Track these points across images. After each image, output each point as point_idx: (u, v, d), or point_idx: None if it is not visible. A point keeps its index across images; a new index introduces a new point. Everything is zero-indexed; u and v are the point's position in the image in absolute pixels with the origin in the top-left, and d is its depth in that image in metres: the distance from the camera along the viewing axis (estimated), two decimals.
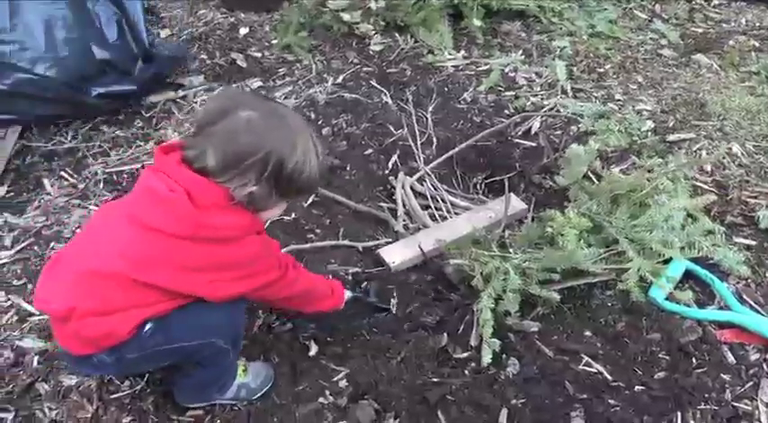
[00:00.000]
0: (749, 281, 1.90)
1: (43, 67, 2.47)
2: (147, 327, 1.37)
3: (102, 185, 2.40)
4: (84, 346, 1.38)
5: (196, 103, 2.84)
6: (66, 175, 2.46)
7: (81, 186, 2.41)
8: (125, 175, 2.45)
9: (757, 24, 3.16)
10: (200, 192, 1.26)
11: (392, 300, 1.90)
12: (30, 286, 2.01)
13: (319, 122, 2.62)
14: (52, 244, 2.16)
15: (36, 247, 2.14)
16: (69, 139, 2.64)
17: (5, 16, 2.44)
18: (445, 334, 1.79)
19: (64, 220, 2.25)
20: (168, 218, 1.26)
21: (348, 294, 1.79)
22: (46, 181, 2.43)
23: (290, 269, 1.53)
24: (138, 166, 2.49)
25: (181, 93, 2.88)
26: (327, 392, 1.68)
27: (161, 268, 1.31)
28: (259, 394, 1.67)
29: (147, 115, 2.76)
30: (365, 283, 1.92)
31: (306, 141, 1.31)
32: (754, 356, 1.71)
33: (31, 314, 1.92)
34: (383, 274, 1.99)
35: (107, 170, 2.47)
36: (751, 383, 1.65)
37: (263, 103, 1.34)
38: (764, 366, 1.68)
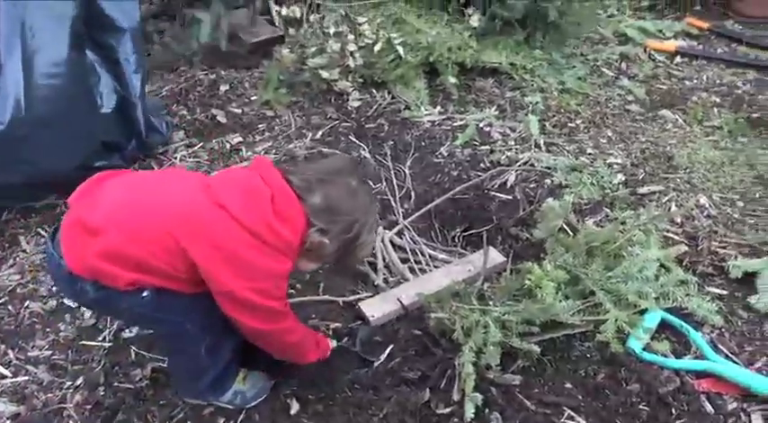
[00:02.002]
0: (723, 330, 1.94)
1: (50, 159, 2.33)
2: (146, 293, 1.41)
3: None
4: (82, 266, 1.38)
5: (176, 158, 2.86)
6: (43, 232, 2.44)
7: None
8: None
9: (717, 82, 3.31)
10: (285, 202, 1.40)
11: (378, 350, 1.90)
12: (2, 346, 1.97)
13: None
14: (27, 302, 2.12)
15: (10, 307, 2.11)
16: (46, 194, 2.63)
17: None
18: (427, 389, 1.78)
19: (40, 279, 2.22)
20: (244, 207, 1.37)
21: (333, 344, 1.83)
22: (22, 238, 2.41)
23: (291, 316, 1.58)
24: None
25: (161, 148, 2.90)
26: None
27: (202, 240, 1.36)
28: (252, 404, 1.74)
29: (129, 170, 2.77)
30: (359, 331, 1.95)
31: (375, 228, 1.58)
32: (731, 406, 1.73)
33: (4, 376, 1.88)
34: (363, 330, 1.99)
35: None
36: None
37: (364, 182, 1.65)
38: (742, 416, 1.70)
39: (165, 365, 1.85)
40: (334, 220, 1.45)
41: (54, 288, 2.16)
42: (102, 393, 1.81)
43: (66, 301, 2.14)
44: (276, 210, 1.39)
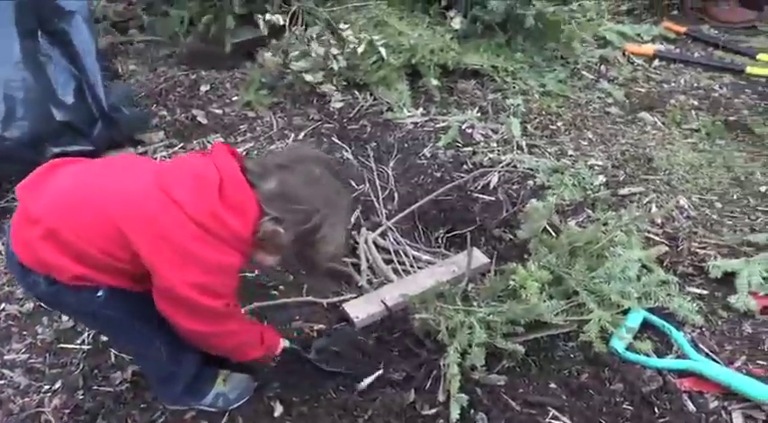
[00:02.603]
0: (703, 329, 1.96)
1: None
2: (100, 293, 1.37)
3: None
4: (31, 258, 1.34)
5: (156, 158, 2.82)
6: None
7: None
8: None
9: (694, 85, 3.36)
10: (234, 189, 1.31)
11: (335, 361, 1.84)
12: None
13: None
14: (3, 305, 2.08)
15: None
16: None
17: None
18: (413, 390, 1.78)
19: (15, 281, 2.17)
20: (189, 195, 1.30)
21: (285, 343, 1.74)
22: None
23: (237, 318, 1.51)
24: None
25: (140, 149, 2.86)
26: None
27: (145, 229, 1.30)
28: (235, 405, 1.70)
29: None
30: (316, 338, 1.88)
31: (344, 225, 1.45)
32: (713, 404, 1.75)
33: None
34: (348, 330, 1.98)
35: None
36: None
37: (333, 174, 1.47)
38: (723, 414, 1.72)
39: None
40: (290, 209, 1.35)
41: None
42: (81, 397, 1.78)
43: (43, 304, 2.09)
44: (224, 196, 1.30)
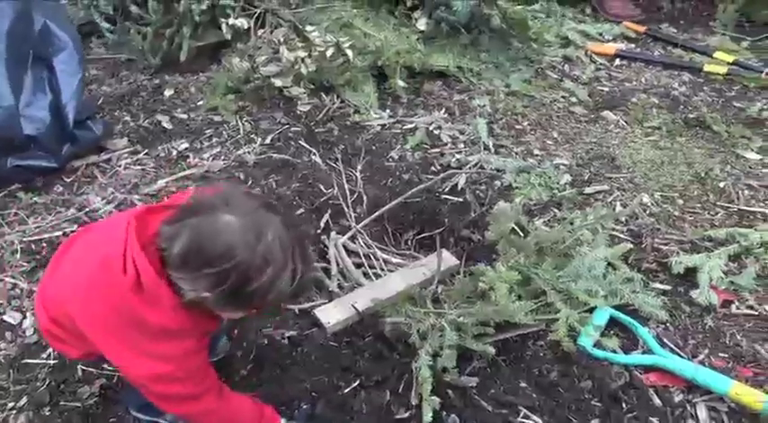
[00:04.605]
0: (668, 324, 2.01)
1: None
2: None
3: (18, 255, 2.29)
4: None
5: (120, 166, 2.78)
6: None
7: None
8: (44, 244, 2.34)
9: (655, 83, 3.44)
10: (146, 278, 1.20)
11: None
12: None
13: (249, 183, 2.62)
14: None
15: None
16: None
17: None
18: (387, 392, 1.79)
19: None
20: (107, 292, 1.22)
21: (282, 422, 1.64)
22: None
23: (212, 395, 1.38)
24: (59, 233, 2.39)
25: (104, 156, 2.81)
26: None
27: (91, 327, 1.28)
28: None
29: (69, 180, 2.67)
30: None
31: (282, 261, 1.19)
32: (678, 398, 1.79)
33: None
34: (319, 337, 1.98)
35: (24, 239, 2.36)
36: None
37: (252, 213, 1.21)
38: (688, 407, 1.77)
39: (114, 382, 1.79)
40: (198, 275, 1.16)
41: None
42: (47, 414, 1.74)
43: (6, 317, 2.04)
44: (143, 295, 1.20)
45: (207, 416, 1.40)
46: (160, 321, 1.22)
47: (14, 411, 1.75)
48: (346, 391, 1.81)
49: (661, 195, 2.55)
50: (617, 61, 3.67)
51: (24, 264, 2.25)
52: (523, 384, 1.83)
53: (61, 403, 1.77)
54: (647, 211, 2.46)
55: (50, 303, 1.38)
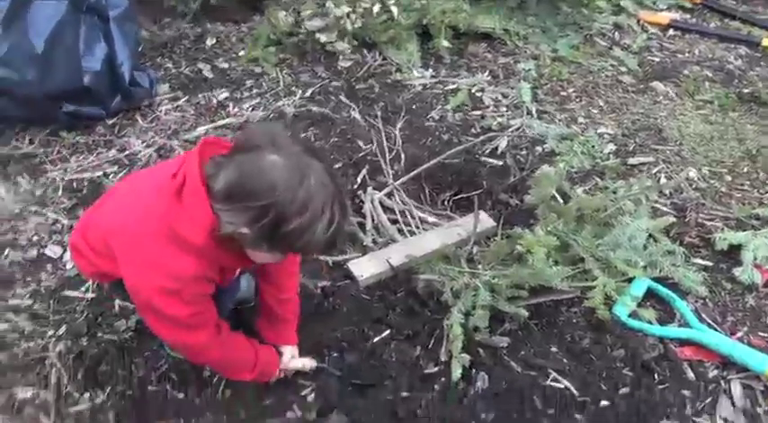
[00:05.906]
0: (707, 300, 1.96)
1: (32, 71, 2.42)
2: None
3: (60, 192, 2.33)
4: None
5: (161, 111, 2.79)
6: (22, 181, 2.37)
7: (38, 193, 2.33)
8: (85, 183, 2.38)
9: (709, 56, 3.31)
10: (190, 193, 1.23)
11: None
12: None
13: (288, 135, 2.60)
14: (7, 250, 2.07)
15: None
16: (26, 144, 2.55)
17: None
18: (417, 347, 1.79)
19: (19, 228, 2.17)
20: (149, 205, 1.27)
21: (313, 364, 1.70)
22: (0, 187, 2.34)
23: (205, 332, 1.41)
24: (100, 173, 2.42)
25: (146, 101, 2.82)
26: (295, 407, 1.65)
27: (119, 239, 1.32)
28: None
29: (110, 123, 2.70)
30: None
31: (320, 207, 1.20)
32: (712, 373, 1.76)
33: None
34: (352, 289, 1.98)
35: (66, 177, 2.40)
36: (710, 399, 1.69)
37: (297, 155, 1.22)
38: (722, 383, 1.74)
39: None
40: (239, 208, 1.19)
41: (35, 237, 2.12)
42: (85, 343, 1.79)
43: (47, 251, 2.09)
44: (181, 203, 1.23)
45: (206, 351, 1.44)
46: (188, 234, 1.23)
47: (53, 339, 1.80)
48: (376, 340, 1.81)
49: (709, 170, 2.47)
50: (670, 31, 3.53)
51: (65, 200, 2.29)
52: (554, 349, 1.81)
53: (98, 335, 1.81)
54: (693, 186, 2.39)
55: (93, 229, 1.40)
